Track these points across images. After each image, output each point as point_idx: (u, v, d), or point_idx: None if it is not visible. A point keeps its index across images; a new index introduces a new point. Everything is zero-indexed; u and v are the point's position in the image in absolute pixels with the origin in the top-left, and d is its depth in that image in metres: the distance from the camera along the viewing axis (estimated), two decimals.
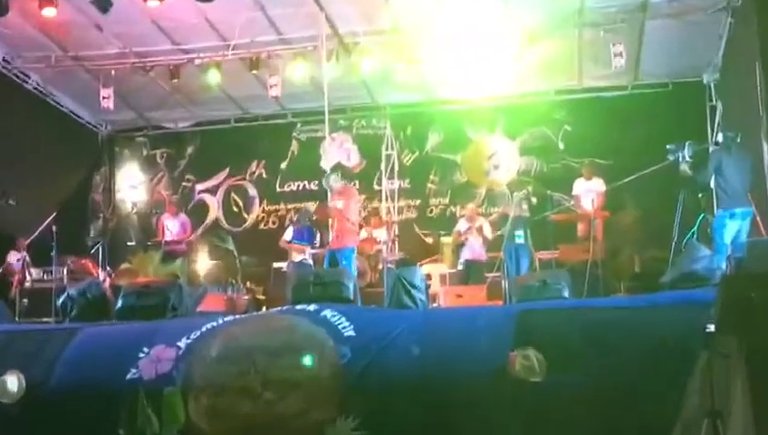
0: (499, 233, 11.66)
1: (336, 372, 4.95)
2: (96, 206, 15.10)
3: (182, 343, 5.35)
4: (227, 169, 14.94)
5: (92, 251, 13.18)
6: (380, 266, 12.07)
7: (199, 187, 15.09)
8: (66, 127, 13.88)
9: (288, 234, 11.97)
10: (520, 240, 10.78)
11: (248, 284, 12.08)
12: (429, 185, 14.01)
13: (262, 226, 14.68)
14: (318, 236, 11.96)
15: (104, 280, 11.18)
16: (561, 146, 13.31)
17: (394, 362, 4.97)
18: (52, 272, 10.93)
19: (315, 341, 5.08)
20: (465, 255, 11.42)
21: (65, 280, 10.95)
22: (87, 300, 7.26)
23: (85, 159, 14.86)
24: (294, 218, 13.02)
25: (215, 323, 5.56)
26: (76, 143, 14.31)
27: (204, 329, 5.47)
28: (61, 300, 7.52)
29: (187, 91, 13.50)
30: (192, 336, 5.38)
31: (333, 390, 4.90)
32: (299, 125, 14.63)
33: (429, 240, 13.52)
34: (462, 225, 11.83)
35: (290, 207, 14.38)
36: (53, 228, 10.59)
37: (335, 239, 10.32)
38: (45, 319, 9.61)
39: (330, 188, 10.80)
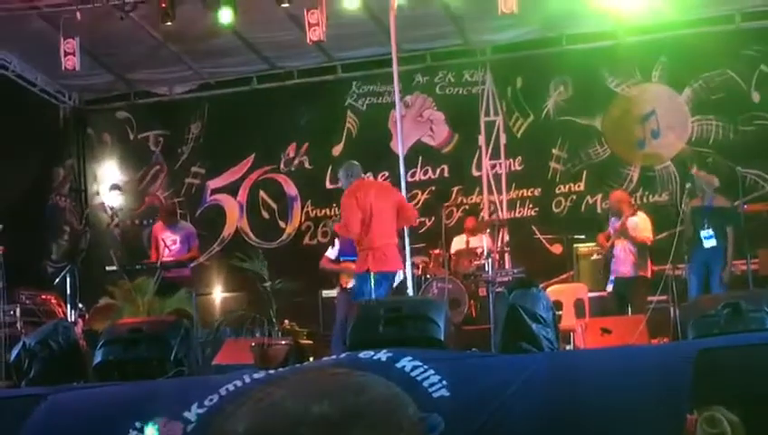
0: (665, 235, 11.52)
1: None
2: (60, 215, 15.44)
3: (191, 414, 5.36)
4: (251, 157, 15.20)
5: (56, 281, 13.38)
6: (484, 291, 12.06)
7: (212, 184, 15.36)
8: (12, 98, 14.13)
9: (332, 250, 12.02)
10: (709, 243, 10.70)
11: (286, 322, 12.14)
12: (553, 165, 14.00)
13: (306, 239, 14.87)
14: None
15: (75, 323, 11.38)
16: (756, 98, 13.17)
17: (515, 427, 4.91)
18: None
19: (390, 406, 5.05)
20: (615, 269, 11.39)
21: (18, 324, 11.19)
22: (51, 353, 7.33)
23: (42, 147, 15.18)
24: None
25: (239, 383, 5.57)
26: (28, 123, 14.54)
27: (223, 392, 5.48)
28: (13, 354, 7.63)
29: (185, 39, 13.75)
30: (207, 403, 5.39)
31: None
32: (354, 86, 14.79)
33: (557, 248, 13.44)
34: (612, 222, 11.70)
35: None
36: None
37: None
38: None
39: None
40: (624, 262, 11.35)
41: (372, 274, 9.63)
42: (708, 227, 10.77)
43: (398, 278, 10.34)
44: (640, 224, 11.45)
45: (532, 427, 4.95)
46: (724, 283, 10.67)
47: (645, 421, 4.82)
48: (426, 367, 5.29)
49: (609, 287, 11.40)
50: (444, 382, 5.17)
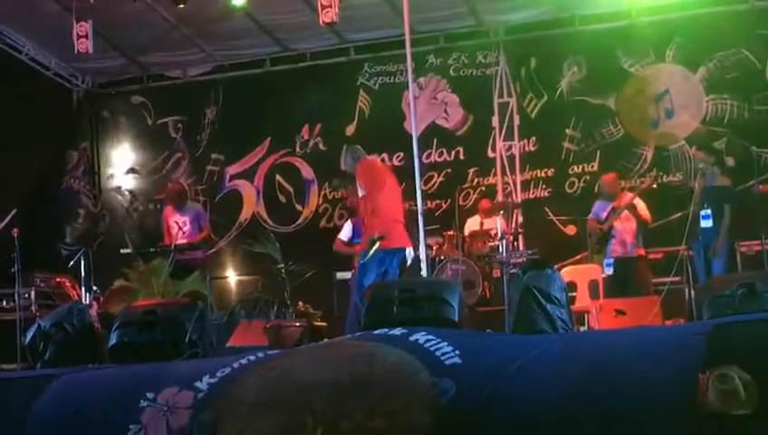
0: (678, 215, 11.51)
1: (434, 414, 4.94)
2: (74, 198, 15.52)
3: (203, 384, 5.37)
4: (267, 141, 15.26)
5: (71, 264, 13.38)
6: (498, 273, 12.07)
7: (230, 170, 15.45)
8: (25, 82, 14.22)
9: (345, 231, 12.06)
10: (706, 223, 10.69)
11: (301, 305, 12.16)
12: (567, 145, 13.99)
13: (323, 222, 14.95)
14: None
15: (90, 305, 11.40)
16: None
17: (523, 399, 4.94)
18: (13, 296, 11.18)
19: (403, 372, 5.08)
20: (612, 251, 11.50)
21: (33, 307, 11.24)
22: (66, 335, 7.35)
23: (55, 130, 15.26)
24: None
25: (252, 357, 5.61)
26: (41, 106, 14.61)
27: (236, 365, 5.52)
28: (28, 337, 7.66)
29: (198, 22, 13.82)
30: (219, 374, 5.44)
31: None
32: (366, 66, 14.81)
33: (571, 230, 13.45)
34: (601, 205, 11.78)
35: None
36: (13, 233, 10.86)
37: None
38: (6, 366, 9.84)
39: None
40: (624, 242, 11.47)
41: (380, 249, 9.72)
42: (708, 207, 10.76)
43: (410, 256, 10.36)
44: (641, 204, 11.55)
45: (542, 401, 4.93)
46: (716, 257, 10.69)
47: (653, 386, 4.84)
48: (439, 339, 5.31)
49: (609, 270, 11.36)
50: (456, 352, 5.18)
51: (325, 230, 14.55)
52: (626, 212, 11.46)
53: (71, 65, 15.10)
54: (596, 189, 13.42)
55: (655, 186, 12.14)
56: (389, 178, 10.33)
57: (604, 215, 11.68)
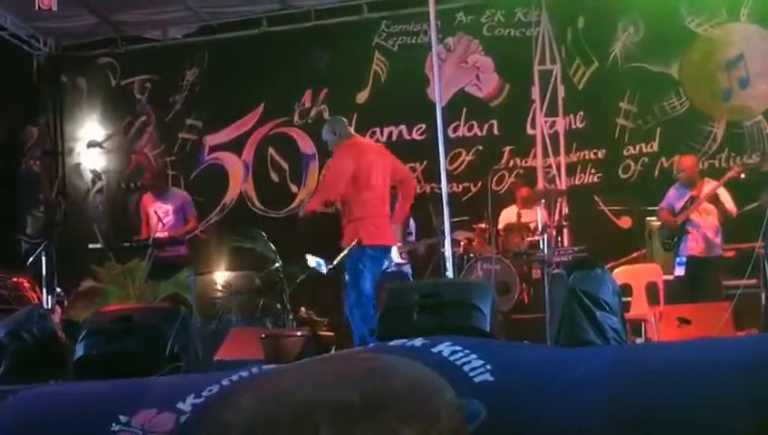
0: (754, 205, 11.49)
1: None
2: (34, 181, 15.54)
3: (186, 405, 5.37)
4: (261, 107, 15.28)
5: (30, 260, 13.48)
6: (538, 273, 12.06)
7: (211, 139, 15.43)
8: None
9: None
10: None
11: (303, 311, 12.20)
12: (621, 121, 13.97)
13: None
14: (411, 223, 12.04)
15: (52, 310, 11.44)
16: None
17: (566, 425, 4.93)
18: None
19: (423, 391, 5.07)
20: (688, 248, 11.43)
21: None
22: (24, 345, 7.41)
23: (11, 103, 15.27)
24: None
25: (245, 374, 5.61)
26: None
27: (225, 382, 5.51)
28: None
29: None
30: (205, 393, 5.43)
31: None
32: (384, 25, 14.81)
33: (625, 222, 13.42)
34: (676, 193, 11.71)
35: None
36: None
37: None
38: None
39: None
40: (705, 239, 11.40)
41: (367, 247, 9.74)
42: None
43: (394, 257, 10.37)
44: (721, 194, 11.48)
45: (589, 428, 4.95)
46: None
47: (728, 425, 4.82)
48: (467, 351, 5.28)
49: (680, 270, 11.34)
50: (488, 367, 5.14)
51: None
52: (706, 204, 11.38)
53: (30, 25, 15.12)
54: (656, 174, 13.46)
55: (743, 175, 11.80)
56: (379, 160, 10.22)
57: (680, 205, 11.62)
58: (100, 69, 15.86)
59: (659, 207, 11.89)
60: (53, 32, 15.48)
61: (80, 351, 7.08)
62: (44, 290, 12.33)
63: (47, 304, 11.86)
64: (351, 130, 10.29)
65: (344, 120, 10.44)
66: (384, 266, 10.14)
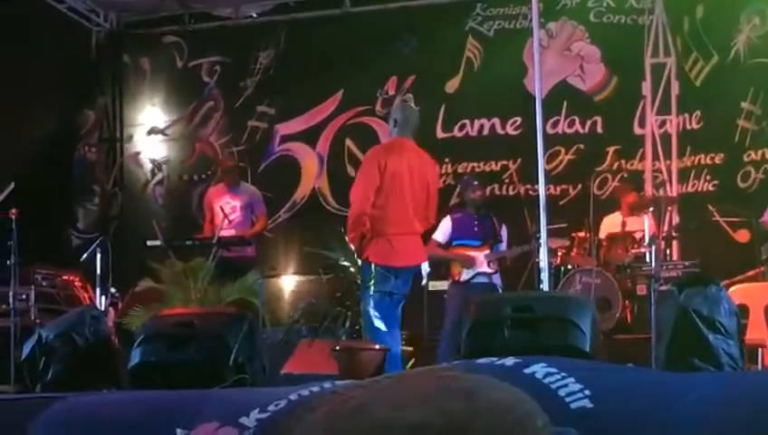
0: None
1: None
2: (89, 171, 15.70)
3: (250, 420, 5.40)
4: (339, 94, 15.32)
5: (83, 257, 13.58)
6: (643, 289, 11.99)
7: (282, 128, 15.48)
8: (32, 21, 14.29)
9: (442, 229, 12.00)
10: None
11: None
12: (742, 123, 13.83)
13: None
14: (503, 228, 12.08)
15: (106, 312, 11.54)
16: None
17: None
18: (7, 298, 11.33)
19: (512, 415, 5.06)
20: None
21: (33, 312, 11.41)
22: (75, 349, 7.48)
23: (68, 83, 15.47)
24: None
25: (315, 389, 5.63)
26: (50, 51, 14.72)
27: (293, 397, 5.53)
28: (26, 350, 7.76)
29: None
30: (271, 408, 5.46)
31: None
32: (479, 8, 14.82)
33: (743, 236, 13.30)
34: None
35: (468, 165, 14.60)
36: (10, 214, 11.10)
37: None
38: None
39: None
40: None
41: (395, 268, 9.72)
42: None
43: (425, 271, 10.28)
44: None
45: None
46: None
47: None
48: (563, 374, 5.28)
49: None
50: (586, 392, 5.14)
51: None
52: None
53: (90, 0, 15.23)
54: None
55: None
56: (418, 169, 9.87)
57: None
58: (166, 48, 16.00)
59: None
60: (115, 6, 15.61)
61: (136, 357, 7.15)
62: (98, 290, 12.46)
63: (100, 304, 11.97)
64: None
65: (416, 109, 10.39)
66: (406, 287, 10.03)
